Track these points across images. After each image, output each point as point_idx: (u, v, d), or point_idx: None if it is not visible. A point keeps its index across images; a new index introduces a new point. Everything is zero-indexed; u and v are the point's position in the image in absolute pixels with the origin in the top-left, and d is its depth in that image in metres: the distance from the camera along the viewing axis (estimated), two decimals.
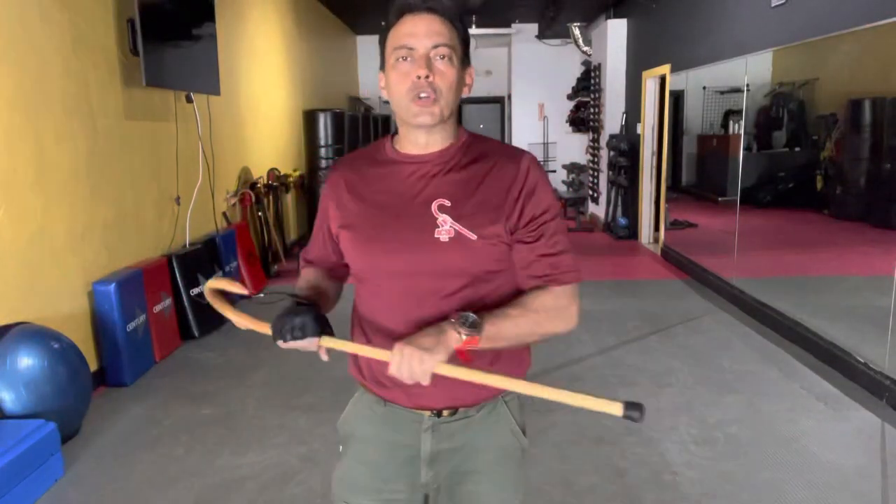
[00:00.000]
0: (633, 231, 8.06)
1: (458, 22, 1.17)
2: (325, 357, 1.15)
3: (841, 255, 4.39)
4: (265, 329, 1.16)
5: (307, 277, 1.33)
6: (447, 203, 1.15)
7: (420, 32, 1.12)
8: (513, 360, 1.23)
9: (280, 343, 1.11)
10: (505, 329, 1.11)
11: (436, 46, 1.12)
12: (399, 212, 1.18)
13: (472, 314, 1.07)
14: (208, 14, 4.90)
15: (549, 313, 1.17)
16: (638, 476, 2.68)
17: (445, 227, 1.14)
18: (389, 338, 1.14)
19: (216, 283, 1.30)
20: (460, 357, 1.06)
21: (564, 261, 1.18)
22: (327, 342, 1.13)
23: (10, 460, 2.43)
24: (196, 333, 4.44)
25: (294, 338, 1.10)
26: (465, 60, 1.19)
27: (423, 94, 1.12)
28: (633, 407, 1.00)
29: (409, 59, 1.13)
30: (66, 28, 3.50)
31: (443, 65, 1.13)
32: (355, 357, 1.27)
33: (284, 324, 1.11)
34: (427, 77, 1.11)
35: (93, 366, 3.57)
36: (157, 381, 3.77)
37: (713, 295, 5.38)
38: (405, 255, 1.16)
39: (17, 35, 3.15)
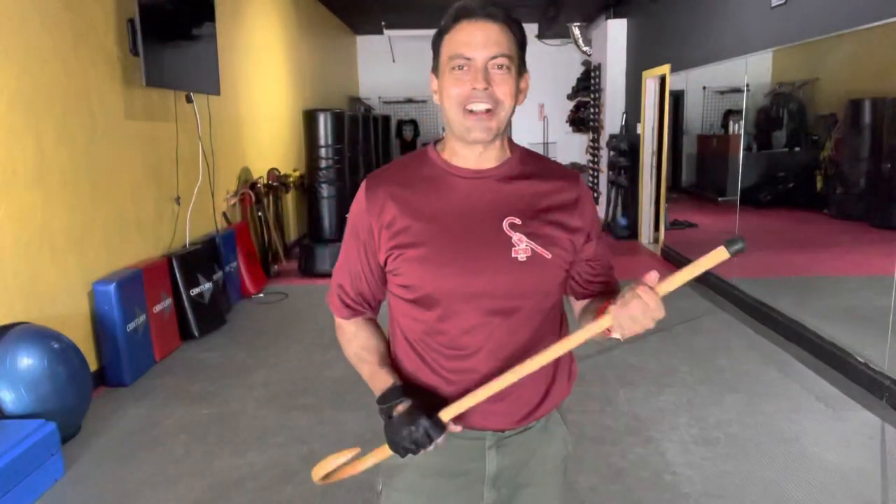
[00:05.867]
0: (633, 231, 8.05)
1: (516, 27, 1.13)
2: (457, 429, 1.11)
3: (841, 255, 4.39)
4: (385, 453, 1.13)
5: (369, 345, 1.24)
6: (517, 221, 1.12)
7: (478, 42, 1.08)
8: (566, 373, 1.26)
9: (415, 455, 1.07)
10: None
11: (494, 57, 1.08)
12: (470, 231, 1.12)
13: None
14: (208, 14, 4.91)
15: None
16: (638, 476, 2.68)
17: (522, 245, 1.11)
18: (472, 361, 1.14)
19: (323, 468, 1.23)
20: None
21: (614, 271, 1.28)
22: (448, 419, 1.08)
23: (10, 460, 2.43)
24: (196, 333, 4.44)
25: (426, 447, 1.05)
26: (521, 68, 1.15)
27: (478, 107, 1.08)
28: (733, 243, 0.95)
29: (465, 68, 1.09)
30: (66, 28, 3.50)
31: (501, 75, 1.09)
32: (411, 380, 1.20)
33: (407, 440, 1.06)
34: (485, 89, 1.08)
35: (93, 366, 3.57)
36: (157, 381, 3.76)
37: (713, 295, 5.38)
38: (486, 277, 1.11)
39: (17, 35, 3.15)
